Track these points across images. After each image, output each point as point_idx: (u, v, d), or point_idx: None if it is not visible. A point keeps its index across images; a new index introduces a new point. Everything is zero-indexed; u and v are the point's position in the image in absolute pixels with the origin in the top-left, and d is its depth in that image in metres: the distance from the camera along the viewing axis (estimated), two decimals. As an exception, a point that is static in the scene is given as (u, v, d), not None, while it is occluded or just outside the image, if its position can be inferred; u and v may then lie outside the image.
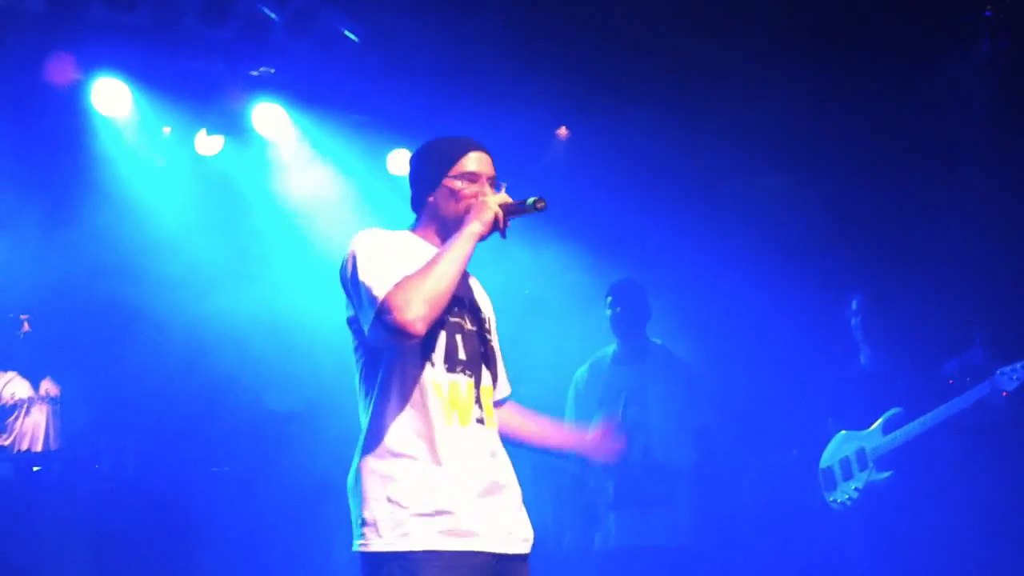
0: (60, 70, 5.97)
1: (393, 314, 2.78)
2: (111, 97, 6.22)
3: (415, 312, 2.79)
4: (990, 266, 5.82)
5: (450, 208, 3.08)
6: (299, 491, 6.36)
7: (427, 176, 3.14)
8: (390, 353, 2.96)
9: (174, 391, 6.43)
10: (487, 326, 3.14)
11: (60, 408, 6.41)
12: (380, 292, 2.83)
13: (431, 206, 3.13)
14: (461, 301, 3.06)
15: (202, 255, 6.52)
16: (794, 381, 5.99)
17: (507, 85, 6.17)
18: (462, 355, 3.00)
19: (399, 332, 2.79)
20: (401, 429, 2.92)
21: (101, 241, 6.39)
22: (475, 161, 3.11)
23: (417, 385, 2.94)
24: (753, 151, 6.35)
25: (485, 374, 3.06)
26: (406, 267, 2.90)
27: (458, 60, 6.09)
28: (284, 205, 6.87)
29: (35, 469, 6.11)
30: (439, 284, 2.84)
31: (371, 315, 2.84)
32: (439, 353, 2.97)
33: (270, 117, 6.60)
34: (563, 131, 6.90)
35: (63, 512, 6.08)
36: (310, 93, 6.47)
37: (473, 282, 3.24)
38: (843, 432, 5.43)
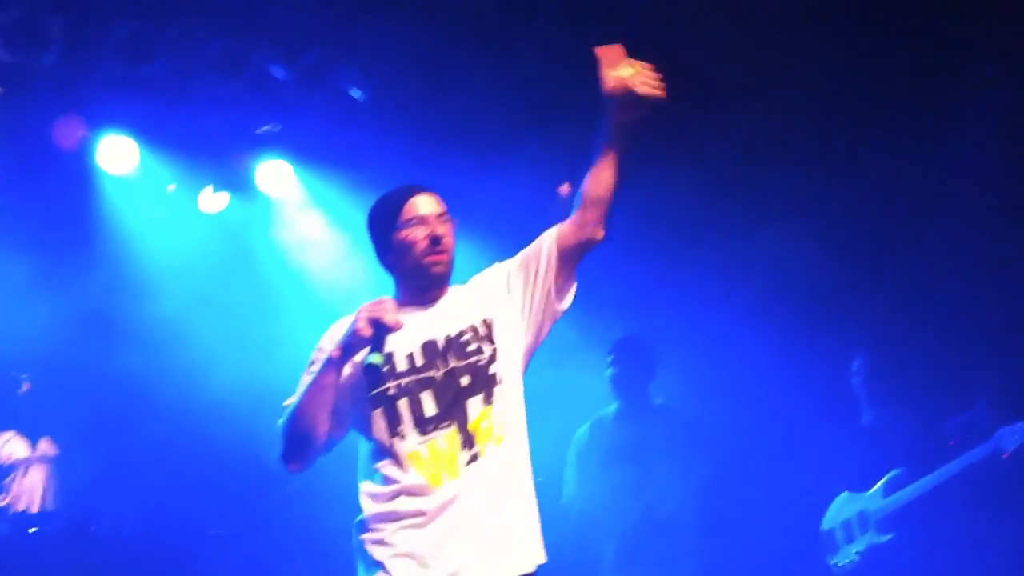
0: (67, 132, 6.01)
1: (279, 449, 3.01)
2: (117, 154, 6.26)
3: (285, 453, 2.99)
4: (994, 325, 5.79)
5: (409, 261, 3.05)
6: (300, 553, 6.27)
7: (380, 239, 3.11)
8: (362, 436, 3.01)
9: (173, 451, 6.38)
10: (471, 346, 3.00)
11: (57, 468, 6.35)
12: (280, 420, 3.01)
13: (394, 266, 3.11)
14: (430, 349, 2.99)
15: (206, 314, 6.51)
16: (797, 440, 5.93)
17: (511, 141, 6.19)
18: (431, 411, 2.93)
19: (283, 467, 3.01)
20: (392, 503, 2.91)
21: (102, 300, 6.38)
22: (416, 205, 3.06)
23: (395, 460, 2.92)
24: (756, 207, 6.34)
25: (472, 405, 2.95)
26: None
27: (463, 118, 6.13)
28: (289, 263, 6.87)
29: (32, 530, 6.03)
30: (299, 425, 2.94)
31: None
32: (407, 424, 2.93)
33: (275, 174, 6.63)
34: (566, 187, 6.90)
35: (60, 572, 6.00)
36: (315, 150, 6.52)
37: (457, 298, 3.11)
38: (845, 494, 5.37)
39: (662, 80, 2.98)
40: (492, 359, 3.00)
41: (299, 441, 2.94)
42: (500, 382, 2.99)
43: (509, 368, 3.02)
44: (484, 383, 2.97)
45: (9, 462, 6.27)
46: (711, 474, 5.59)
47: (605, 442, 5.67)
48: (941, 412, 5.37)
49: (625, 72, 2.95)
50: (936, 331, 5.91)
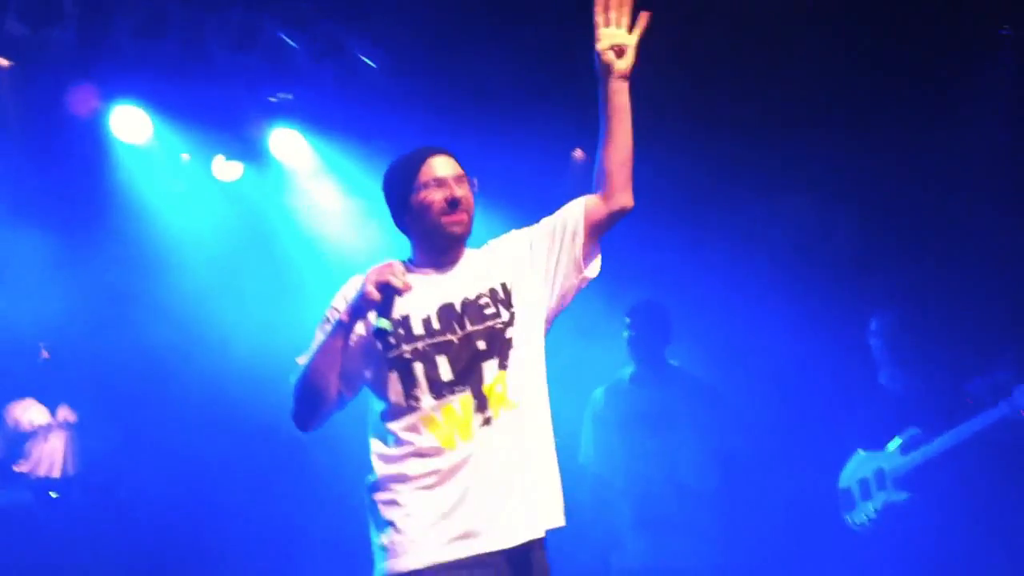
0: (83, 101, 6.03)
1: (291, 407, 3.04)
2: (131, 124, 6.28)
3: (297, 415, 3.04)
4: (1017, 285, 5.79)
5: (427, 223, 3.05)
6: (320, 515, 6.34)
7: (397, 200, 3.10)
8: (377, 399, 3.02)
9: (193, 419, 6.43)
10: (489, 310, 3.00)
11: (77, 434, 6.42)
12: (293, 377, 3.04)
13: (411, 228, 3.11)
14: (446, 312, 2.99)
15: (222, 280, 6.54)
16: (816, 402, 5.96)
17: (524, 110, 6.19)
18: (447, 376, 2.94)
19: (296, 426, 3.06)
20: (404, 463, 2.94)
21: (120, 267, 6.42)
22: (434, 166, 3.05)
23: (409, 423, 2.94)
24: (776, 171, 6.34)
25: (488, 369, 2.95)
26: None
27: (475, 85, 6.12)
28: (303, 230, 6.89)
29: (53, 495, 6.11)
30: (310, 387, 2.98)
31: None
32: (422, 387, 2.94)
33: (288, 143, 6.64)
34: (579, 153, 6.91)
35: (81, 537, 6.08)
36: (328, 119, 6.51)
37: (475, 262, 3.11)
38: (862, 452, 5.40)
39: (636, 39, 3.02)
40: (509, 323, 3.00)
41: (309, 401, 2.98)
42: (516, 347, 2.99)
43: (527, 333, 3.02)
44: (500, 347, 2.97)
45: (30, 428, 6.33)
46: (729, 437, 5.63)
47: (622, 404, 5.71)
48: (960, 373, 5.39)
49: (609, 41, 3.01)
50: (956, 293, 5.92)
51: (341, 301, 3.04)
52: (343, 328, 2.94)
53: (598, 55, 3.03)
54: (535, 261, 3.08)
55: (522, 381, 2.99)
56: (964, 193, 5.99)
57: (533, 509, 2.94)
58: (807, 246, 6.46)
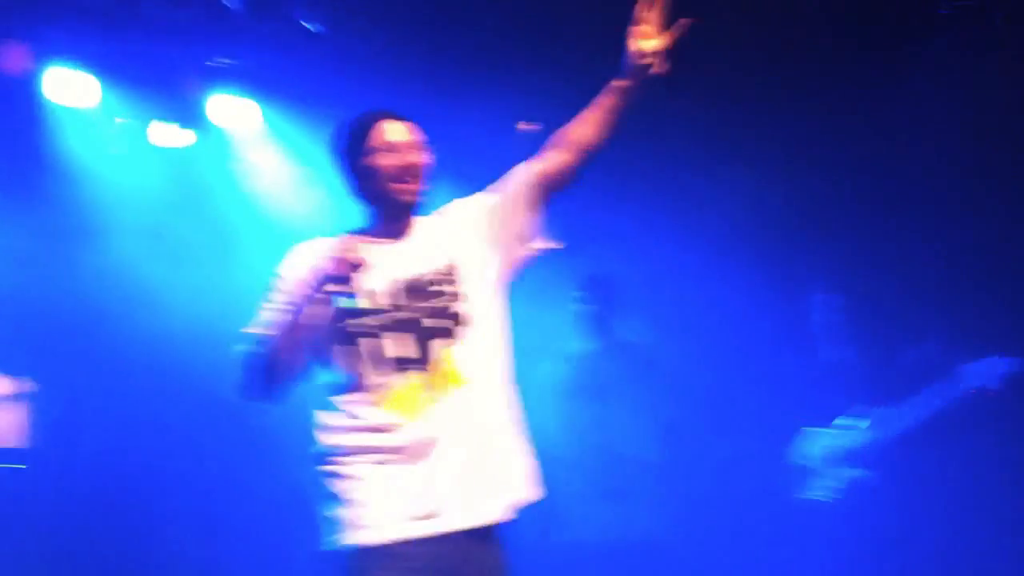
0: (13, 59, 5.84)
1: (240, 378, 2.96)
2: (64, 85, 6.10)
3: (246, 384, 2.94)
4: (948, 257, 5.85)
5: (377, 189, 3.00)
6: (282, 489, 6.26)
7: (346, 163, 3.05)
8: (323, 371, 2.98)
9: (148, 387, 6.32)
10: (435, 287, 2.96)
11: (29, 406, 6.26)
12: (237, 346, 2.96)
13: (360, 192, 3.05)
14: (394, 289, 2.96)
15: (161, 245, 6.42)
16: (759, 375, 5.99)
17: (472, 75, 6.10)
18: (394, 353, 2.91)
19: (242, 395, 2.96)
20: (357, 436, 2.90)
21: (56, 232, 6.26)
22: (386, 131, 3.00)
23: (360, 397, 2.91)
24: (716, 145, 6.33)
25: (435, 346, 2.92)
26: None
27: (421, 49, 6.03)
28: (244, 195, 6.77)
29: (15, 467, 5.97)
30: (262, 357, 2.89)
31: None
32: (373, 362, 2.91)
33: (227, 107, 6.50)
34: (523, 125, 6.83)
35: (47, 508, 5.96)
36: (268, 83, 6.39)
37: (424, 233, 3.07)
38: (816, 428, 5.43)
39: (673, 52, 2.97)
40: (457, 299, 2.97)
41: (261, 373, 2.91)
42: (467, 323, 2.97)
43: (478, 308, 2.99)
44: (449, 323, 2.94)
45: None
46: (674, 409, 5.64)
47: (570, 377, 5.70)
48: (895, 349, 5.44)
49: (648, 44, 2.96)
50: (891, 271, 5.97)
51: (288, 269, 2.98)
52: (302, 303, 2.87)
53: (631, 52, 2.97)
54: (480, 232, 3.04)
55: (473, 357, 2.96)
56: (903, 165, 6.03)
57: (496, 486, 2.93)
58: (752, 217, 6.47)
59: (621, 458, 5.46)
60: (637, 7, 2.96)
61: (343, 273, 2.82)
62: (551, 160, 3.03)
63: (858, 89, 6.01)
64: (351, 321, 2.92)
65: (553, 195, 3.04)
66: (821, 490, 5.29)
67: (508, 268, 3.07)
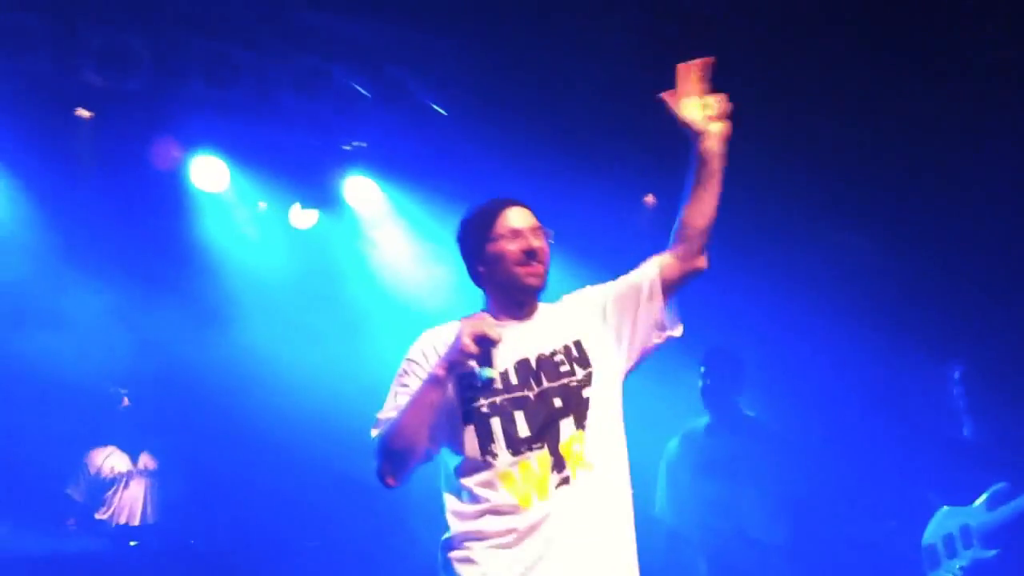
0: (163, 153, 6.13)
1: (375, 461, 2.97)
2: (209, 173, 6.37)
3: (382, 468, 2.95)
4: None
5: (502, 274, 3.03)
6: (390, 566, 6.28)
7: (472, 250, 3.10)
8: (451, 454, 2.98)
9: (266, 467, 6.44)
10: (564, 367, 2.98)
11: (157, 482, 6.46)
12: (374, 432, 3.00)
13: (486, 278, 3.09)
14: (523, 367, 2.97)
15: (296, 327, 6.58)
16: (895, 454, 5.76)
17: (594, 153, 6.15)
18: (524, 432, 2.91)
19: (379, 480, 2.96)
20: (480, 521, 2.90)
21: (196, 313, 6.49)
22: (510, 217, 3.05)
23: (485, 479, 2.91)
24: (842, 211, 6.21)
25: (565, 427, 2.92)
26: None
27: (545, 132, 6.10)
28: (377, 278, 6.91)
29: (132, 544, 6.12)
30: (400, 441, 2.92)
31: None
32: (499, 443, 2.91)
33: (362, 190, 6.68)
34: (650, 199, 6.84)
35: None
36: (401, 166, 6.55)
37: (549, 317, 3.09)
38: (946, 508, 5.20)
39: (729, 108, 2.92)
40: (586, 382, 2.98)
41: (400, 457, 2.93)
42: (593, 406, 2.96)
43: (603, 392, 2.99)
44: (577, 405, 2.95)
45: (111, 475, 6.38)
46: (804, 490, 5.47)
47: (696, 455, 5.59)
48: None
49: (692, 112, 2.91)
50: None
51: (418, 353, 3.03)
52: (439, 382, 2.90)
53: (685, 124, 2.94)
54: (608, 321, 3.06)
55: (599, 442, 2.95)
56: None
57: (611, 572, 2.89)
58: (880, 286, 6.28)
59: (741, 539, 5.29)
60: (679, 74, 2.93)
61: (483, 347, 2.84)
62: (679, 251, 3.03)
63: (974, 159, 5.82)
64: (480, 399, 2.93)
65: (685, 284, 3.05)
66: (948, 571, 5.05)
67: (636, 357, 3.07)
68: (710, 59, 2.94)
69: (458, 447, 2.96)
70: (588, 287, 3.14)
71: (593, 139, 6.14)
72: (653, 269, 3.04)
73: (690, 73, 2.94)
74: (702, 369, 5.64)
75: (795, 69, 5.53)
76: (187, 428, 6.47)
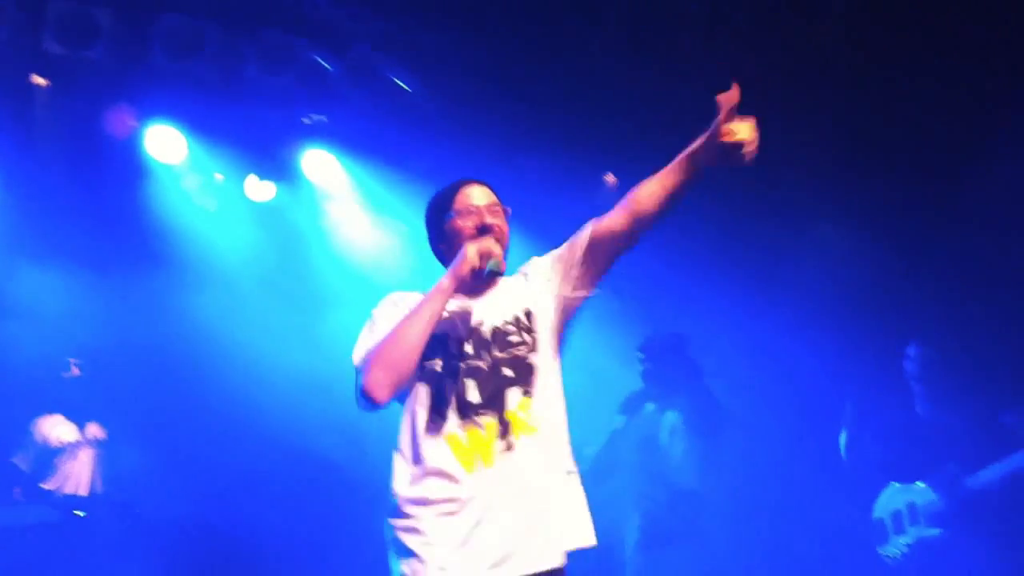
0: (120, 121, 6.08)
1: (360, 379, 2.93)
2: (166, 144, 6.32)
3: (375, 377, 2.91)
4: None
5: (458, 249, 3.09)
6: (345, 541, 6.31)
7: (434, 226, 3.22)
8: (404, 409, 3.03)
9: (221, 435, 6.43)
10: (514, 337, 3.07)
11: (105, 452, 6.41)
12: (356, 358, 2.98)
13: (446, 255, 3.17)
14: (479, 339, 3.05)
15: (253, 300, 6.57)
16: (846, 429, 5.88)
17: (557, 132, 6.19)
18: (475, 399, 2.99)
19: (364, 397, 2.92)
20: (418, 486, 2.95)
21: (151, 285, 6.46)
22: (468, 195, 3.16)
23: (433, 441, 2.96)
24: (807, 201, 6.30)
25: (512, 395, 3.00)
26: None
27: (507, 110, 6.13)
28: (336, 251, 6.91)
29: (79, 513, 6.10)
30: (399, 348, 2.93)
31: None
32: (451, 405, 2.99)
33: (321, 164, 6.66)
34: (611, 178, 6.90)
35: (105, 556, 6.06)
36: (362, 141, 6.54)
37: (504, 289, 3.17)
38: (896, 484, 5.33)
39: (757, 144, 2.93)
40: (532, 348, 3.06)
41: (395, 365, 2.94)
42: (538, 373, 3.05)
43: (547, 358, 3.08)
44: (525, 374, 3.03)
45: (58, 445, 6.32)
46: (737, 453, 5.64)
47: (636, 432, 5.76)
48: (997, 404, 5.31)
49: (744, 133, 2.90)
50: (986, 328, 5.85)
51: (390, 303, 3.10)
52: (442, 291, 2.99)
53: (721, 143, 2.90)
54: (550, 285, 3.14)
55: (543, 406, 3.04)
56: (997, 230, 5.92)
57: (557, 533, 2.96)
58: (839, 274, 6.40)
59: (679, 501, 5.45)
60: (722, 100, 2.87)
61: (485, 263, 3.01)
62: (616, 219, 3.08)
63: (954, 150, 5.94)
64: (440, 361, 3.01)
65: (615, 254, 3.11)
66: (894, 547, 5.19)
67: (561, 316, 3.14)
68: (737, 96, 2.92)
69: (413, 403, 3.02)
70: (535, 257, 3.22)
71: (554, 117, 6.18)
72: (585, 231, 3.11)
73: (730, 99, 2.91)
74: (640, 355, 5.80)
75: (775, 67, 5.59)
76: (142, 400, 6.42)
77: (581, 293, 3.12)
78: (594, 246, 3.08)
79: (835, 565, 5.84)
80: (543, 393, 3.04)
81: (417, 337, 2.94)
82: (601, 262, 3.11)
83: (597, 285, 3.14)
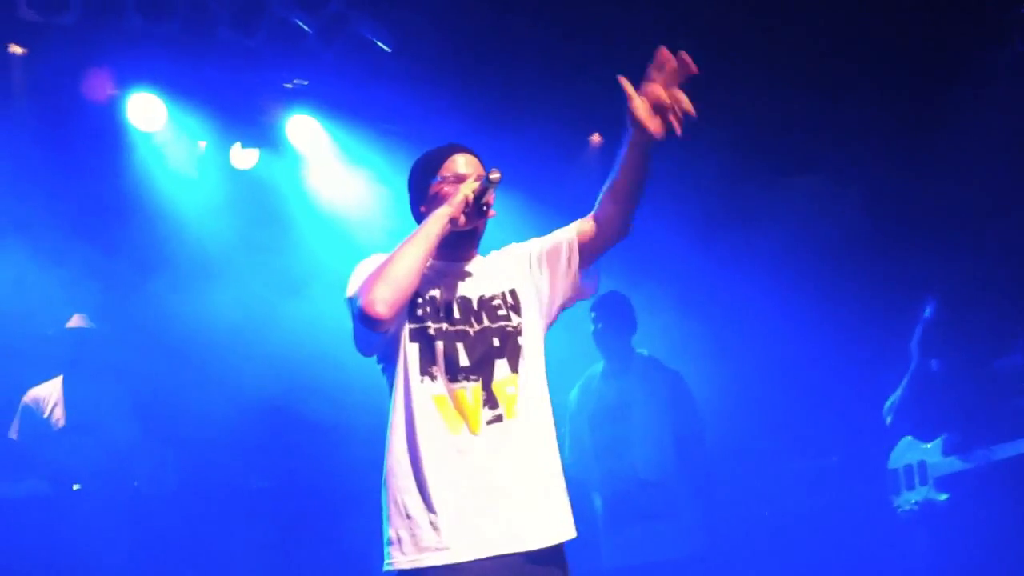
0: (97, 86, 6.02)
1: (358, 300, 2.89)
2: (146, 111, 6.26)
3: (375, 293, 2.86)
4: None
5: None
6: (336, 505, 6.32)
7: (417, 188, 3.21)
8: (393, 371, 3.02)
9: (210, 405, 6.41)
10: (501, 312, 3.08)
11: (97, 425, 6.38)
12: (350, 291, 2.97)
13: (426, 216, 3.12)
14: (465, 304, 3.06)
15: (238, 268, 6.53)
16: (857, 389, 5.89)
17: (540, 92, 6.14)
18: (464, 362, 2.99)
19: (365, 317, 2.87)
20: (411, 446, 2.95)
21: (136, 255, 6.42)
22: (458, 163, 3.14)
23: (422, 401, 2.96)
24: (787, 155, 6.27)
25: (499, 367, 3.01)
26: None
27: (490, 68, 6.07)
28: (320, 216, 6.87)
29: (75, 487, 6.09)
30: (398, 265, 2.90)
31: (350, 311, 2.96)
32: (439, 366, 2.99)
33: (304, 129, 6.61)
34: (596, 138, 6.85)
35: (98, 529, 6.06)
36: (342, 103, 6.49)
37: (485, 265, 3.17)
38: (908, 438, 5.34)
39: (684, 114, 2.81)
40: (519, 331, 3.07)
41: (398, 281, 2.90)
42: (525, 355, 3.06)
43: (533, 344, 3.10)
44: (512, 349, 3.05)
45: (49, 412, 6.27)
46: (695, 421, 5.58)
47: (592, 402, 5.68)
48: (983, 357, 5.30)
49: (643, 111, 2.81)
50: (968, 280, 5.83)
51: (376, 258, 3.05)
52: (441, 217, 2.98)
53: (634, 114, 2.83)
54: (535, 277, 3.16)
55: (530, 389, 3.05)
56: (975, 181, 5.89)
57: (552, 515, 3.00)
58: (817, 224, 6.38)
59: (640, 479, 5.36)
60: (657, 57, 2.79)
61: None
62: (600, 218, 3.09)
63: (934, 100, 5.89)
64: (428, 321, 3.01)
65: (605, 249, 3.13)
66: (909, 504, 5.21)
67: (554, 315, 3.18)
68: (694, 68, 2.81)
69: (400, 364, 3.02)
70: (514, 244, 3.23)
71: (539, 78, 6.12)
72: (571, 235, 3.12)
73: (670, 62, 2.83)
74: (592, 315, 5.70)
75: (751, 16, 5.53)
76: (125, 368, 6.40)
77: (584, 295, 3.17)
78: (586, 248, 3.11)
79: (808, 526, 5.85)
80: (529, 377, 3.04)
81: (417, 258, 2.93)
82: (592, 261, 3.14)
83: (581, 286, 3.15)
